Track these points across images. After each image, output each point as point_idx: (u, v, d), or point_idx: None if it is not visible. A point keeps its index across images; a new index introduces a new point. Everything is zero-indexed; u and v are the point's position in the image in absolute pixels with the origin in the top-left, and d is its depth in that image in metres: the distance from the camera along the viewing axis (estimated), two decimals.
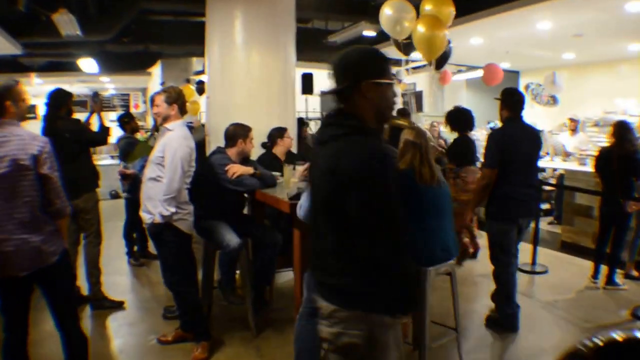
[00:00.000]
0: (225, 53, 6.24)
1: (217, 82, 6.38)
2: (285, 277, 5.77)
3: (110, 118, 9.48)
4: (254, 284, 4.76)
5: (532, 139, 4.58)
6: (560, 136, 9.48)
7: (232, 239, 4.37)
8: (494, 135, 4.63)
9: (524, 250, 7.00)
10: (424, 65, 13.76)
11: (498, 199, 4.39)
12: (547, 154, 9.99)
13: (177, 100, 4.05)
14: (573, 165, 8.18)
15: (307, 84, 14.51)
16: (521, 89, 14.35)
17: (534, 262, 6.58)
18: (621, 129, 5.81)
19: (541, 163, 9.07)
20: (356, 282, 1.99)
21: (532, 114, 13.67)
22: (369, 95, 2.04)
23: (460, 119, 6.63)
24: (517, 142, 4.36)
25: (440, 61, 7.46)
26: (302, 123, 9.26)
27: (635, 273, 6.23)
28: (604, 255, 6.03)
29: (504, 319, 4.65)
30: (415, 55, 12.20)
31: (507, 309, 4.63)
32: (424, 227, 3.52)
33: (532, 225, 6.63)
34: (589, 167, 7.62)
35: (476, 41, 10.02)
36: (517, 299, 4.71)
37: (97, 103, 5.52)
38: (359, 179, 1.93)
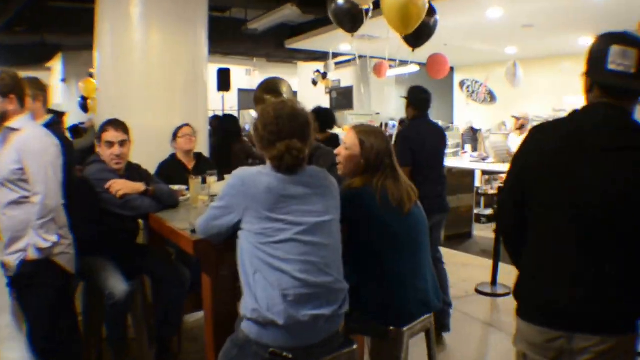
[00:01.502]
0: (118, 31, 4.91)
1: (108, 69, 5.04)
2: (194, 316, 4.58)
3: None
4: (157, 335, 3.56)
5: (437, 136, 4.66)
6: (511, 136, 8.68)
7: (116, 285, 3.13)
8: (403, 134, 4.76)
9: (482, 267, 6.15)
10: (353, 59, 12.87)
11: None
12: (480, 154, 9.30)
13: (13, 90, 2.91)
14: None
15: (224, 80, 13.62)
16: (456, 86, 13.65)
17: (494, 282, 5.62)
18: None
19: (487, 166, 8.25)
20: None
21: (469, 113, 13.00)
22: None
23: (326, 117, 6.23)
24: (424, 140, 4.43)
25: (419, 37, 6.14)
26: (233, 120, 8.02)
27: None
28: None
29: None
30: (344, 47, 11.41)
31: None
32: (392, 272, 2.57)
33: (492, 236, 6.11)
34: None
35: None
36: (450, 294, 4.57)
37: None
38: None
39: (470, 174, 8.24)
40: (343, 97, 15.25)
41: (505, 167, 7.81)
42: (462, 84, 13.41)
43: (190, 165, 4.46)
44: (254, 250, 2.15)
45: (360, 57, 12.74)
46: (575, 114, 1.86)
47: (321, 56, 12.84)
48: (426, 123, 4.61)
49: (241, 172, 2.27)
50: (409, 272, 2.59)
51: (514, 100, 11.60)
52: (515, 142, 8.49)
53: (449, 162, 8.15)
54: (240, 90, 17.53)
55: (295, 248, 2.14)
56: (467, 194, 8.20)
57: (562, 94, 8.90)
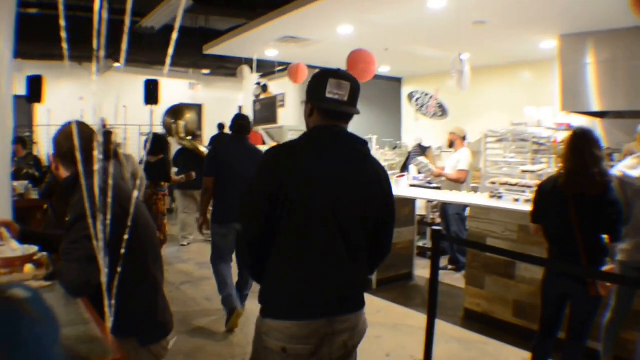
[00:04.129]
0: None
1: None
2: None
3: None
4: None
5: (249, 156, 5.04)
6: (454, 156, 7.22)
7: None
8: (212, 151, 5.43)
9: (421, 329, 4.64)
10: (284, 69, 11.31)
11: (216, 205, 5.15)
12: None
13: None
14: (482, 199, 5.67)
15: (152, 92, 12.52)
16: (404, 99, 12.21)
17: (429, 356, 3.99)
18: (580, 144, 3.41)
19: (424, 192, 6.77)
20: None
21: (418, 129, 11.57)
22: None
23: (157, 143, 7.21)
24: (233, 157, 5.04)
25: None
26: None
27: None
28: (549, 349, 3.66)
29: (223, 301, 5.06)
30: (271, 52, 9.87)
31: (222, 292, 5.04)
32: None
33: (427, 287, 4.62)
34: (507, 202, 5.21)
35: (345, 30, 7.55)
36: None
37: None
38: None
39: (409, 202, 6.68)
40: (266, 110, 13.73)
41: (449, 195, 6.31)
42: (410, 96, 11.95)
43: None
44: None
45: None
46: (314, 134, 2.18)
47: (262, 67, 11.26)
48: (240, 143, 5.18)
49: None
50: None
51: (467, 113, 10.20)
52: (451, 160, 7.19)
53: None
54: (174, 105, 16.82)
55: None
56: (407, 226, 6.65)
57: (522, 105, 7.51)
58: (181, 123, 10.19)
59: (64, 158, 2.22)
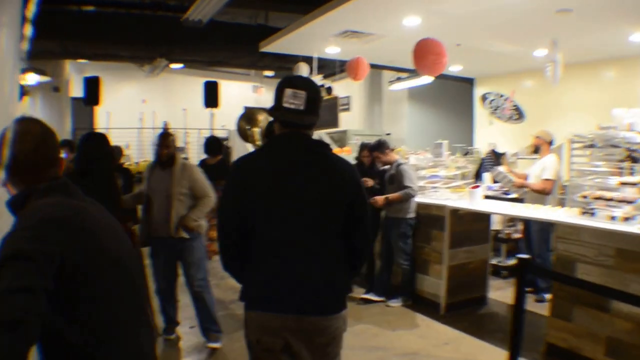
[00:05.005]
0: None
1: None
2: None
3: None
4: None
5: None
6: (539, 163, 6.35)
7: None
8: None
9: None
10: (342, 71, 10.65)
11: None
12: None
13: None
14: (571, 215, 4.80)
15: (211, 94, 12.17)
16: (476, 101, 11.37)
17: None
18: None
19: (503, 207, 5.99)
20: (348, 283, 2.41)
21: (493, 133, 10.73)
22: None
23: (213, 145, 7.39)
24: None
25: None
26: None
27: None
28: None
29: None
30: (332, 50, 9.22)
31: None
32: None
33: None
34: (602, 220, 4.38)
35: (411, 22, 6.82)
36: None
37: None
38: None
39: (484, 216, 5.90)
40: (325, 113, 13.07)
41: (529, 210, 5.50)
42: (484, 98, 11.09)
43: None
44: None
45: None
46: (271, 143, 2.44)
47: (325, 67, 10.62)
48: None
49: None
50: None
51: (545, 116, 9.29)
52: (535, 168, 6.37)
53: (455, 202, 5.86)
54: (248, 109, 16.81)
55: None
56: (480, 244, 5.88)
57: (605, 107, 6.59)
58: (256, 130, 9.80)
59: (10, 170, 1.60)
